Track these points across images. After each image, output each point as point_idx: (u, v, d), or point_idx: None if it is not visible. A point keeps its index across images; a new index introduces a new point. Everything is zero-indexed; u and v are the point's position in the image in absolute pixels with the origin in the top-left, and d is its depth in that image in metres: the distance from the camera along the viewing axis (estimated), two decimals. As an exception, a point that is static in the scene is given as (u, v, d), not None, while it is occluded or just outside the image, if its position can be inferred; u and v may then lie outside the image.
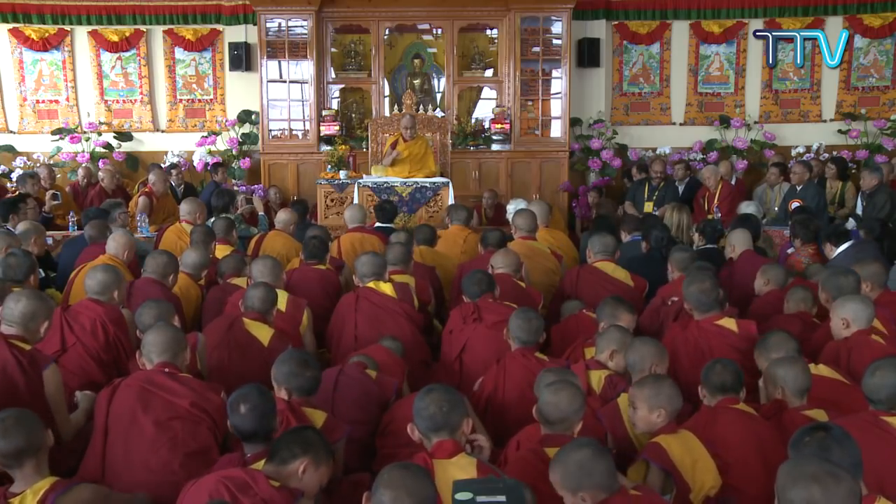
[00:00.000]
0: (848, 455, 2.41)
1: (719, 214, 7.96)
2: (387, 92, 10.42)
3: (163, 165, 9.42)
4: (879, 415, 2.95)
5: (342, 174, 7.94)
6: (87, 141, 10.23)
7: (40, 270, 5.30)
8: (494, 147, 10.08)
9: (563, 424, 2.94)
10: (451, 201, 7.62)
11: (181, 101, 10.52)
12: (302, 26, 9.84)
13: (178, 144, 10.36)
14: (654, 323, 4.68)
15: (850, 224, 7.61)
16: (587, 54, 10.20)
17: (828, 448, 2.42)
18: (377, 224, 6.77)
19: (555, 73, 10.06)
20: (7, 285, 4.35)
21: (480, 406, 3.73)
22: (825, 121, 10.55)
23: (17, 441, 2.64)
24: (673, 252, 5.22)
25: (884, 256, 5.72)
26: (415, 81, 10.49)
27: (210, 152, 10.15)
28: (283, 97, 9.99)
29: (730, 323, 4.04)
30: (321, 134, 9.79)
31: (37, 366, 3.46)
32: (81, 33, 10.34)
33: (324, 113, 9.79)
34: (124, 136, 10.36)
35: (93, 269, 4.39)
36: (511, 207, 7.99)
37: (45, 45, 10.26)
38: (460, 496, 2.20)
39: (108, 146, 10.25)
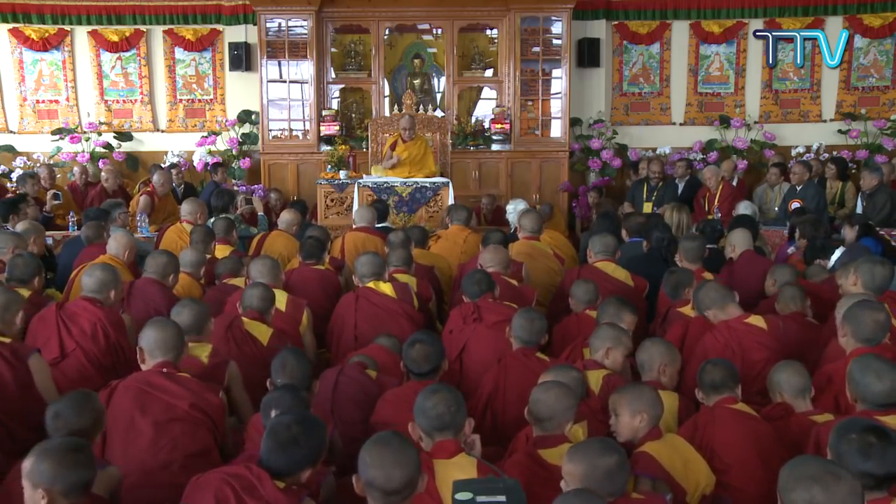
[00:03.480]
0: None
1: (719, 214, 7.96)
2: (387, 92, 10.41)
3: (163, 165, 9.41)
4: (874, 414, 2.94)
5: (342, 174, 7.92)
6: (87, 141, 10.22)
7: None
8: (494, 147, 10.07)
9: (552, 423, 2.95)
10: (451, 201, 7.61)
11: (181, 101, 10.52)
12: (302, 26, 9.84)
13: (178, 144, 10.35)
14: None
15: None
16: (587, 54, 10.20)
17: (868, 455, 2.37)
18: (373, 224, 6.76)
19: (555, 73, 10.06)
20: (10, 285, 4.35)
21: (480, 406, 3.73)
22: (825, 121, 10.54)
23: (90, 415, 2.82)
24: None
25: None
26: (415, 81, 10.48)
27: (210, 152, 10.14)
28: (283, 97, 9.98)
29: (758, 321, 4.01)
30: (321, 134, 9.79)
31: (20, 356, 3.43)
32: (81, 33, 10.33)
33: (324, 113, 9.79)
34: (124, 136, 10.36)
35: (91, 267, 4.38)
36: (511, 207, 7.98)
37: (45, 45, 10.26)
38: (460, 496, 2.19)
39: (108, 146, 10.25)
